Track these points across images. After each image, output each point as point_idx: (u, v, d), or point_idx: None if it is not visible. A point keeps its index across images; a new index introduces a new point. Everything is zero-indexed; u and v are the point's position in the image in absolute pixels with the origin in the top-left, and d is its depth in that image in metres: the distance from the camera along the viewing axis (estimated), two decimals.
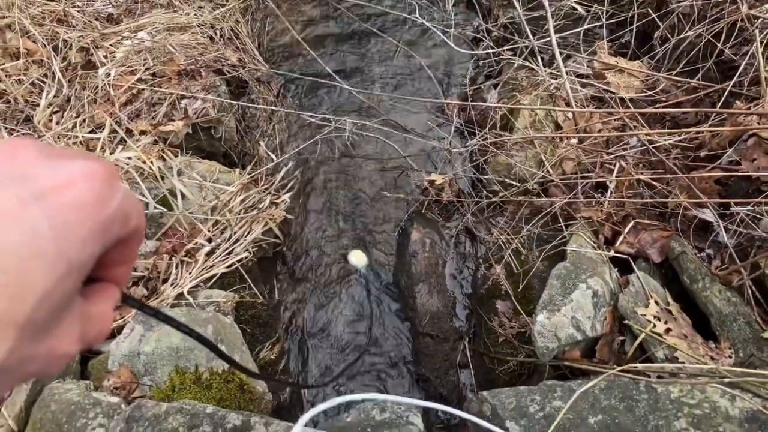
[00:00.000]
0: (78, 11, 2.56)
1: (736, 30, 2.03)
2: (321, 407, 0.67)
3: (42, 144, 0.30)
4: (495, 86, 2.55)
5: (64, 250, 0.26)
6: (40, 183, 0.27)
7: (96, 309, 0.33)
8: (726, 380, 1.18)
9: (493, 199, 2.11)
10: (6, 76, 2.28)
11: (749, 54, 1.94)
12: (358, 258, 1.83)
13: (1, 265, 0.24)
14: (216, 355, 0.63)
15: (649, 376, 1.29)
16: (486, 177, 2.20)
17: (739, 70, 1.95)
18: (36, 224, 0.25)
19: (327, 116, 2.42)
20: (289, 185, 2.27)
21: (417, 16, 2.66)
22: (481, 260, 2.10)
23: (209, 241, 1.90)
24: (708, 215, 1.68)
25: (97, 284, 0.34)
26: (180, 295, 1.71)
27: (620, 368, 1.29)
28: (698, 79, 2.06)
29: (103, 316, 0.34)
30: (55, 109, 2.24)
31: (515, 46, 2.49)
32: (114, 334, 1.59)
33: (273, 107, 2.59)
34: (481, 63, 2.77)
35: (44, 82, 2.31)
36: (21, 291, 0.25)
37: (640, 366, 1.30)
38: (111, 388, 1.45)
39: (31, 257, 0.25)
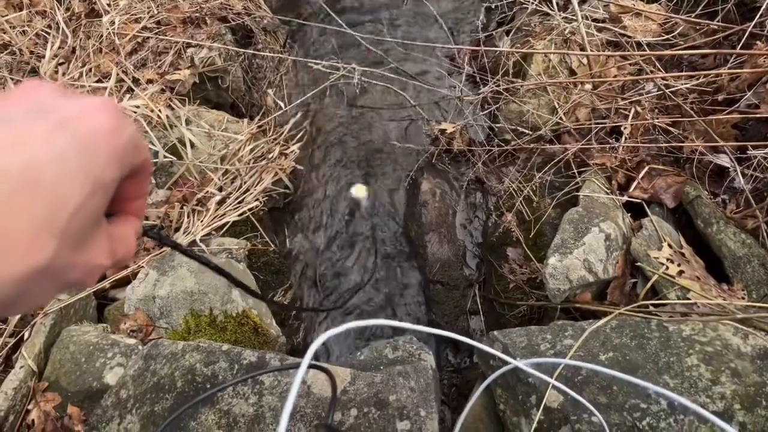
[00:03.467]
0: None
1: None
2: (332, 332, 0.68)
3: (56, 85, 0.34)
4: (507, 33, 2.48)
5: (89, 170, 0.29)
6: (63, 113, 0.30)
7: (120, 231, 0.37)
8: (738, 317, 1.18)
9: (505, 148, 2.08)
10: (10, 27, 2.25)
11: None
12: (359, 191, 1.83)
13: (40, 179, 0.26)
14: (232, 283, 0.64)
15: (659, 316, 1.29)
16: (498, 125, 2.17)
17: (761, 11, 1.88)
18: (64, 148, 0.28)
19: (335, 63, 2.37)
20: (298, 136, 2.26)
21: None
22: (492, 209, 2.09)
23: (220, 190, 1.91)
24: (724, 160, 1.65)
25: (120, 215, 0.39)
26: (192, 243, 1.73)
27: (630, 306, 1.29)
28: (718, 21, 1.99)
29: (128, 238, 0.38)
30: (61, 60, 2.21)
31: None
32: (129, 279, 1.61)
33: (280, 56, 2.54)
34: (493, 8, 2.69)
35: (48, 33, 2.28)
36: (58, 202, 0.27)
37: (650, 305, 1.30)
38: (128, 331, 1.48)
39: (63, 175, 0.28)
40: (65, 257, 0.29)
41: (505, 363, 1.14)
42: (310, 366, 0.68)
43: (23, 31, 2.27)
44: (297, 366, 0.62)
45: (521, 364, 1.03)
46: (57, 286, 0.30)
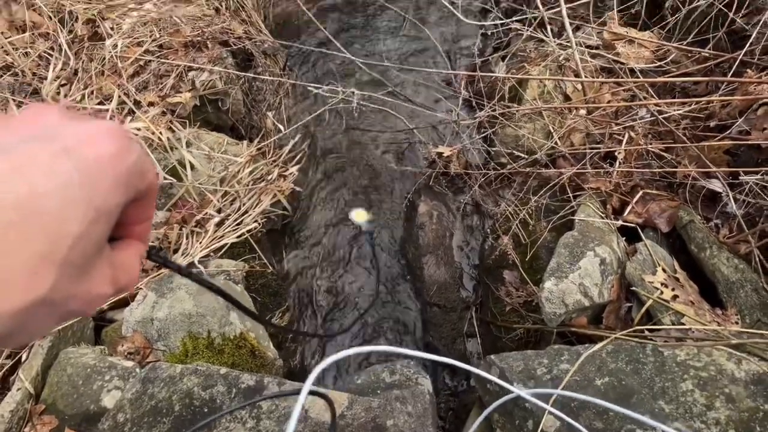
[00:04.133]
0: None
1: None
2: (331, 359, 0.69)
3: (62, 108, 0.33)
4: (503, 58, 2.53)
5: (92, 199, 0.29)
6: (67, 140, 0.29)
7: (122, 257, 0.36)
8: (732, 342, 1.19)
9: (501, 171, 2.11)
10: (13, 48, 2.28)
11: (761, 23, 1.91)
12: (359, 215, 1.83)
13: (40, 210, 0.26)
14: (236, 307, 0.65)
15: (655, 341, 1.30)
16: (494, 149, 2.20)
17: (751, 39, 1.93)
18: (67, 174, 0.28)
19: (334, 87, 2.41)
20: (297, 158, 2.28)
21: None
22: (488, 232, 2.11)
23: (219, 211, 1.92)
24: (717, 185, 1.68)
25: (123, 240, 0.38)
26: (191, 264, 1.73)
27: (626, 331, 1.30)
28: (709, 49, 2.04)
29: (131, 265, 0.37)
30: (63, 82, 2.24)
31: (524, 17, 2.47)
32: (127, 301, 1.62)
33: (280, 79, 2.58)
34: (489, 34, 2.75)
35: (51, 55, 2.31)
36: (59, 233, 0.27)
37: (645, 330, 1.32)
38: (125, 353, 1.48)
39: (65, 204, 0.27)
40: (65, 288, 0.28)
41: (503, 388, 1.15)
42: (310, 392, 0.69)
43: (26, 52, 2.30)
44: (297, 392, 0.63)
45: (523, 393, 1.04)
46: (56, 317, 0.30)
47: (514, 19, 2.52)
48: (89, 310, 0.32)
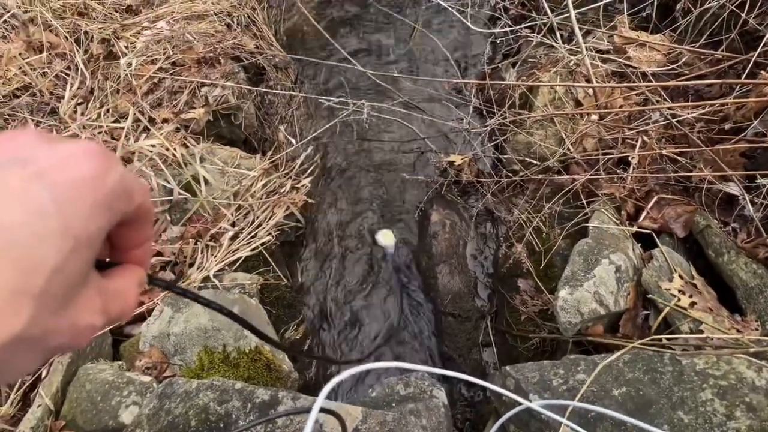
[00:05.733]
0: (98, 3, 2.60)
1: None
2: (344, 374, 0.69)
3: (39, 130, 0.31)
4: (513, 65, 2.53)
5: (69, 225, 0.27)
6: (41, 163, 0.28)
7: (116, 285, 0.34)
8: (752, 350, 1.17)
9: (514, 179, 2.10)
10: (31, 69, 2.34)
11: None
12: (386, 238, 1.80)
13: (12, 241, 0.25)
14: (246, 329, 0.64)
15: (673, 349, 1.28)
16: (506, 156, 2.19)
17: (765, 40, 1.90)
18: (40, 202, 0.26)
19: (344, 99, 2.43)
20: (309, 170, 2.30)
21: None
22: (501, 240, 2.10)
23: (233, 225, 1.94)
24: (733, 189, 1.65)
25: (119, 266, 0.36)
26: (206, 278, 1.75)
27: (643, 341, 1.28)
28: (722, 51, 2.02)
29: (126, 292, 0.35)
30: (80, 101, 2.29)
31: (533, 23, 2.46)
32: (144, 316, 1.64)
33: (291, 92, 2.61)
34: (498, 42, 2.74)
35: (68, 74, 2.36)
36: (33, 264, 0.25)
37: (663, 338, 1.30)
38: (143, 368, 1.50)
39: (38, 233, 0.26)
40: (45, 322, 0.27)
41: (517, 401, 1.14)
42: (321, 410, 0.69)
43: (43, 72, 2.35)
44: (308, 410, 0.63)
45: (534, 405, 1.03)
46: (39, 353, 0.28)
47: (523, 25, 2.51)
48: (78, 344, 0.31)
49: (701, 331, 1.33)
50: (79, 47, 2.43)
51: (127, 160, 2.00)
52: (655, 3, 2.36)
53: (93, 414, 1.36)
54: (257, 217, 2.00)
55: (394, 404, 1.21)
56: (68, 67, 2.40)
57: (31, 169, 0.27)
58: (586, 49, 2.07)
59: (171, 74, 2.27)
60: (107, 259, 0.37)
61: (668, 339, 1.32)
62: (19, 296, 0.25)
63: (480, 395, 1.75)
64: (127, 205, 0.32)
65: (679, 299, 1.41)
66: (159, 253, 1.85)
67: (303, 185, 2.19)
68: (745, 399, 1.11)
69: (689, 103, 1.94)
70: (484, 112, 2.45)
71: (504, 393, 1.00)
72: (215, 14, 2.62)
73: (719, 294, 1.49)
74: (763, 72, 1.84)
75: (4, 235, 0.25)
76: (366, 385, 1.61)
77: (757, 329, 1.34)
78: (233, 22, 2.67)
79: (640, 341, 1.31)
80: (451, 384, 1.75)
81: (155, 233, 1.88)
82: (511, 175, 2.12)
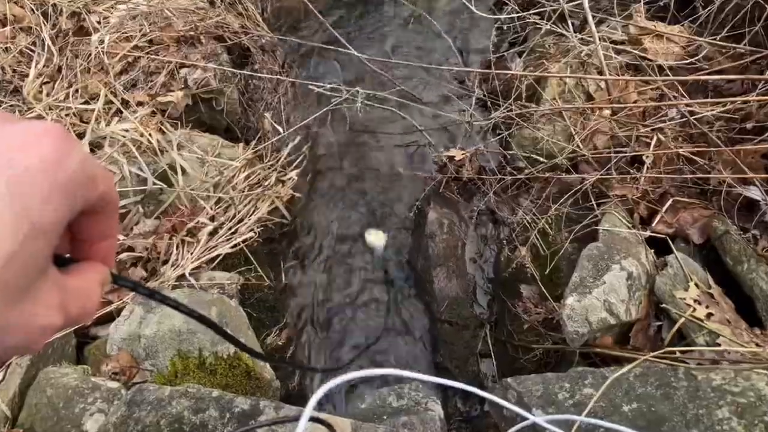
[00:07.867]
0: None
1: None
2: (336, 381, 0.68)
3: None
4: (520, 54, 2.53)
5: (25, 211, 0.26)
6: None
7: (76, 283, 0.34)
8: None
9: (518, 177, 2.10)
10: None
11: None
12: (376, 237, 1.80)
13: None
14: (220, 335, 0.62)
15: (687, 363, 1.29)
16: (510, 152, 2.19)
17: None
18: None
19: (337, 85, 2.42)
20: (297, 162, 2.29)
21: None
22: (504, 242, 2.10)
23: (212, 219, 1.93)
24: (754, 193, 1.67)
25: (81, 262, 0.35)
26: (181, 277, 1.74)
27: (656, 353, 1.29)
28: (744, 44, 2.03)
29: (87, 291, 0.34)
30: (46, 80, 2.26)
31: (542, 9, 2.46)
32: (113, 316, 1.62)
33: (278, 77, 2.59)
34: (504, 28, 2.75)
35: (33, 51, 2.33)
36: None
37: (677, 351, 1.30)
38: (110, 373, 1.48)
39: None
40: (0, 314, 0.26)
41: (520, 415, 1.13)
42: (310, 419, 0.68)
43: (6, 48, 2.32)
44: (296, 419, 0.63)
45: (539, 419, 1.03)
46: None
47: (531, 11, 2.52)
48: (34, 344, 0.30)
49: (718, 344, 1.33)
50: (47, 21, 2.39)
51: (97, 146, 1.98)
52: None
53: (54, 422, 1.34)
54: (239, 212, 1.98)
55: (385, 417, 1.21)
56: (33, 43, 2.36)
57: None
58: (599, 39, 2.07)
59: (147, 53, 2.24)
60: (67, 255, 0.36)
61: (682, 352, 1.33)
62: None
63: (477, 409, 1.75)
64: (90, 193, 0.31)
65: (694, 309, 1.41)
66: (130, 249, 1.83)
67: (289, 178, 2.18)
68: (764, 418, 1.11)
69: (708, 100, 1.96)
70: (488, 104, 2.45)
71: (507, 406, 1.00)
72: None
73: (737, 305, 1.50)
74: None
75: None
76: (356, 396, 1.60)
77: None
78: None
79: (652, 354, 1.31)
80: (447, 397, 1.75)
81: (125, 226, 1.87)
82: (515, 172, 2.13)
